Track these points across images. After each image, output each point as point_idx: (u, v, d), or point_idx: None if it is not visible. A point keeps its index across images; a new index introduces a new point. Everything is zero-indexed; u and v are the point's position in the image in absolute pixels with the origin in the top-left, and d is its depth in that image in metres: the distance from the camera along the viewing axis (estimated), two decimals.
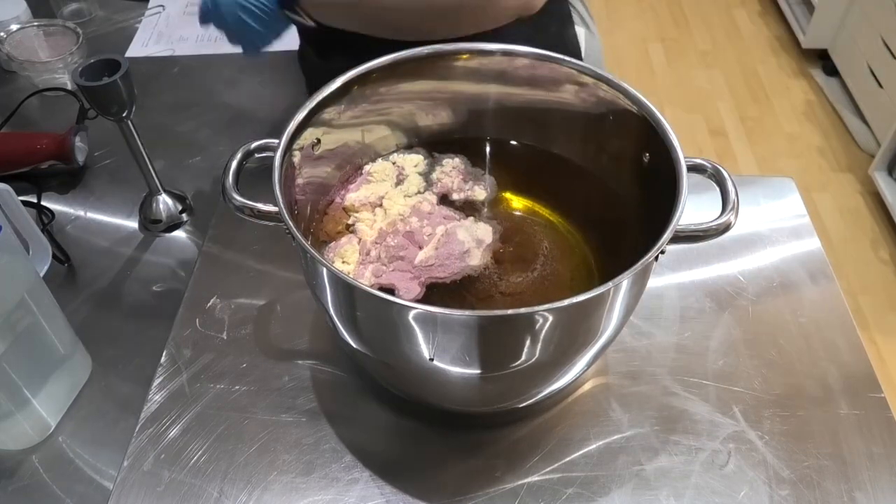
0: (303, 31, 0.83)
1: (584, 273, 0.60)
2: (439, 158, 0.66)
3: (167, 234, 0.79)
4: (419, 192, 0.63)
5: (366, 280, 0.57)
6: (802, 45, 2.50)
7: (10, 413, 0.59)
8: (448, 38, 0.63)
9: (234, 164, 0.55)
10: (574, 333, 0.50)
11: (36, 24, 1.01)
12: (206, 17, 0.70)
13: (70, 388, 0.65)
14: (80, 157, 0.86)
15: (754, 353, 0.64)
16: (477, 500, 0.55)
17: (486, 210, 0.63)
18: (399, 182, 0.64)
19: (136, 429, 0.59)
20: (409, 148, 0.67)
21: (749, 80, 2.45)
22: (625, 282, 0.47)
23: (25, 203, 0.73)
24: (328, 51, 0.80)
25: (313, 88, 0.58)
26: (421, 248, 0.58)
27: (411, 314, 0.46)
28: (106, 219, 0.83)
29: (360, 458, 0.57)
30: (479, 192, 0.64)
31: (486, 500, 0.55)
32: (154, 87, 1.01)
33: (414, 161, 0.65)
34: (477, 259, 0.58)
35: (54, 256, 0.73)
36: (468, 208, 0.63)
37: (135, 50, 1.08)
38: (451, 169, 0.65)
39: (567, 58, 0.61)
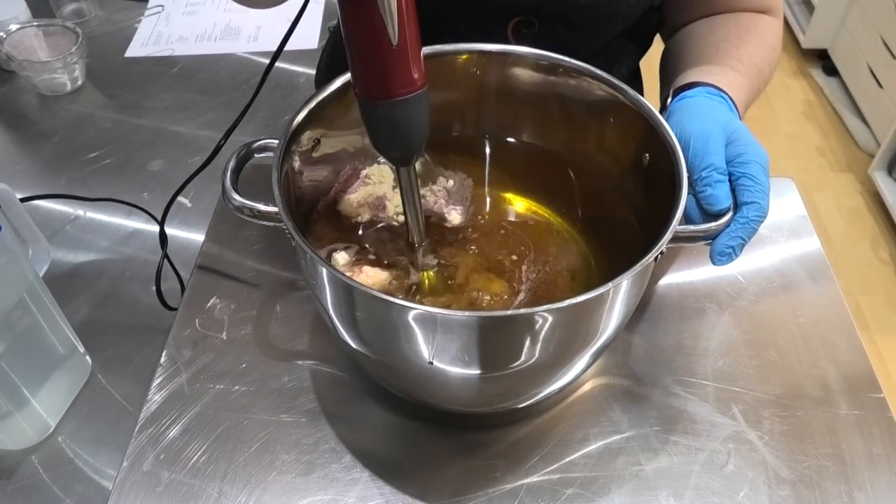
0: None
1: (584, 273, 0.60)
2: (438, 172, 0.65)
3: (167, 234, 0.79)
4: None
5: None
6: (802, 45, 2.50)
7: (9, 413, 0.59)
8: None
9: (233, 164, 0.55)
10: (574, 334, 0.50)
11: (35, 23, 1.01)
12: None
13: (69, 388, 0.65)
14: None
15: (754, 354, 0.64)
16: (477, 501, 0.55)
17: (448, 237, 0.62)
18: (395, 186, 0.64)
19: (136, 429, 0.59)
20: None
21: None
22: (625, 282, 0.47)
23: None
24: None
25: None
26: None
27: (411, 315, 0.46)
28: (106, 219, 0.83)
29: (360, 458, 0.57)
30: (454, 217, 0.63)
31: (486, 501, 0.55)
32: (154, 87, 1.02)
33: None
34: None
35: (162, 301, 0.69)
36: (433, 230, 0.62)
37: (134, 50, 1.08)
38: (440, 189, 0.64)
39: (566, 58, 0.61)
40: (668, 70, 0.75)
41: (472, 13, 0.72)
